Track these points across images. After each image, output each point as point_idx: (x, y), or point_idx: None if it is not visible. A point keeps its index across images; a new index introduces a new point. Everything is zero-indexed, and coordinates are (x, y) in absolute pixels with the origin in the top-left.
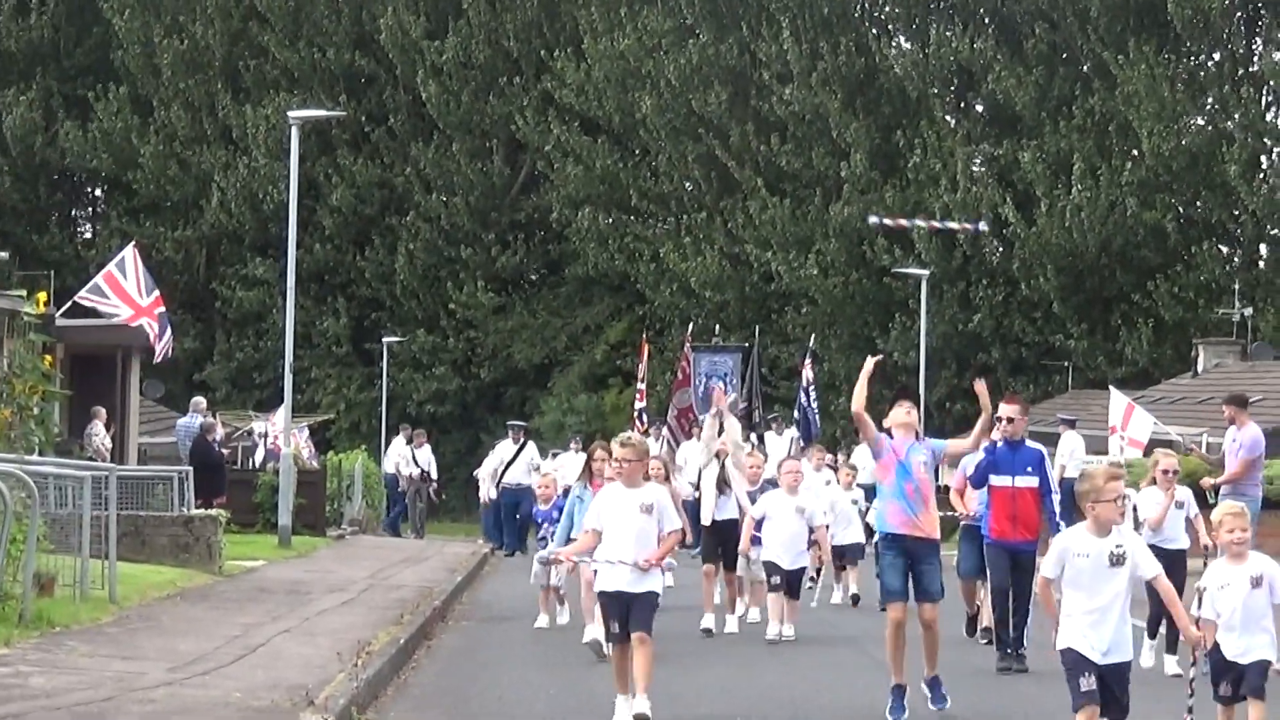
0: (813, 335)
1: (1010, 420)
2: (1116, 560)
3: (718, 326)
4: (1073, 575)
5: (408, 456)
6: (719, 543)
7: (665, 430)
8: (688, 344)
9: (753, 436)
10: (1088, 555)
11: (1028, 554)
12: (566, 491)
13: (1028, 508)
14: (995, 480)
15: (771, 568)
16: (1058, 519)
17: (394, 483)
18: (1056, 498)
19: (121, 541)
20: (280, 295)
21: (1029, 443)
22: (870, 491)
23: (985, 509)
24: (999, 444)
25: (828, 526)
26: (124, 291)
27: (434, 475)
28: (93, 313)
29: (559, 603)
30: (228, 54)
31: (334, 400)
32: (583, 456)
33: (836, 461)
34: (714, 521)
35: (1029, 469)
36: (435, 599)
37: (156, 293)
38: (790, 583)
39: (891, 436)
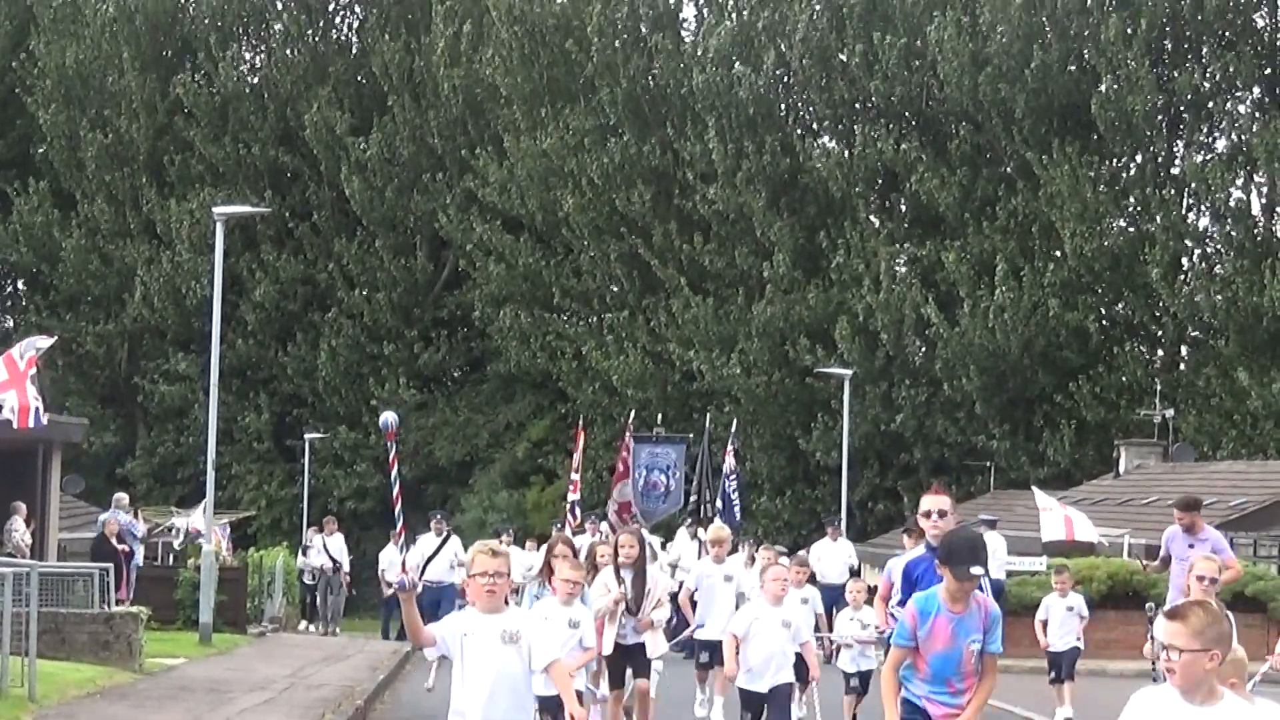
0: (733, 424)
1: (942, 514)
2: None
3: (658, 417)
4: None
5: (318, 545)
6: (625, 664)
7: (605, 525)
8: (629, 434)
9: (701, 533)
10: None
11: None
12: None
13: None
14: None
15: (747, 699)
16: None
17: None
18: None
19: (41, 639)
20: (203, 390)
21: None
22: (827, 591)
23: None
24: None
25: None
26: (11, 359)
27: (345, 566)
28: None
29: None
30: (152, 148)
31: (255, 496)
32: (516, 551)
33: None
34: (618, 645)
35: None
36: (357, 698)
37: (31, 354)
38: (776, 701)
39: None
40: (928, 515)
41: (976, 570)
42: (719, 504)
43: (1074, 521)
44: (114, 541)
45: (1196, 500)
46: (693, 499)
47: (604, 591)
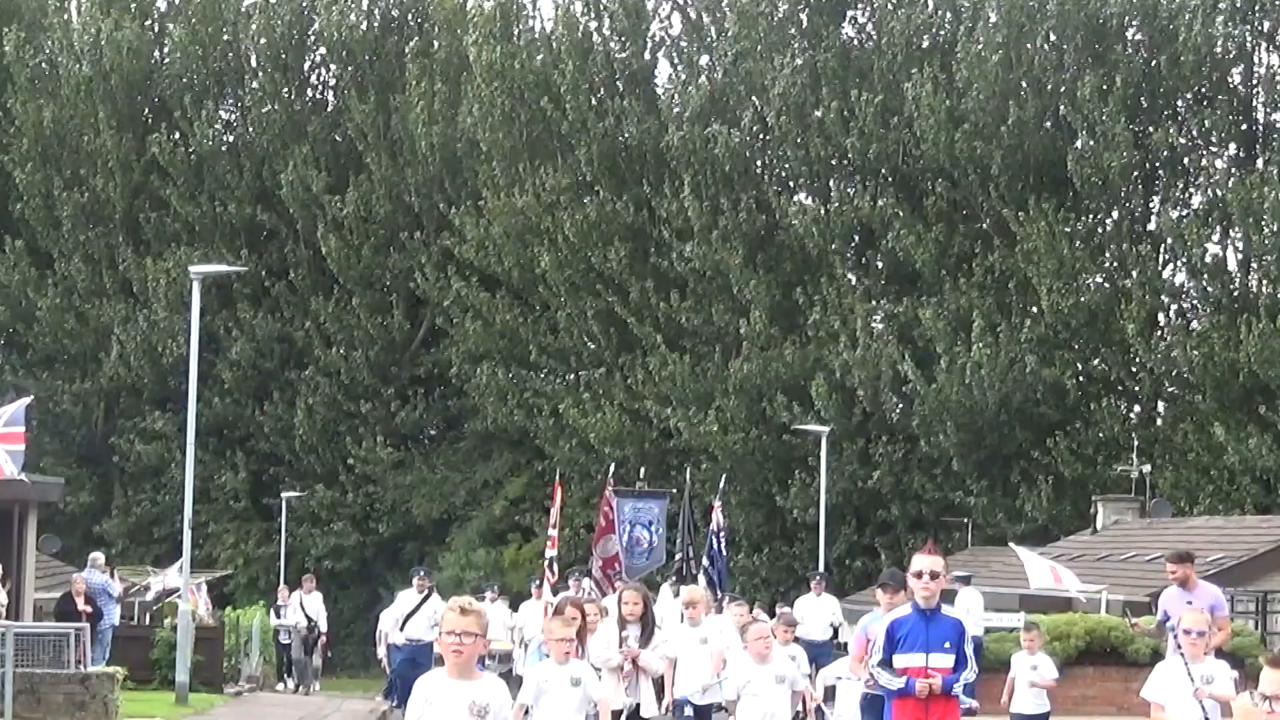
0: (723, 478)
1: (933, 575)
2: None
3: (640, 473)
4: None
5: (294, 604)
6: None
7: (588, 581)
8: (610, 488)
9: (681, 590)
10: None
11: None
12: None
13: (946, 695)
14: (903, 660)
15: None
16: (963, 699)
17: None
18: (972, 675)
19: (17, 699)
20: (179, 449)
21: (945, 609)
22: (809, 648)
23: (889, 698)
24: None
25: None
26: None
27: (323, 626)
28: None
29: None
30: (128, 207)
31: (232, 555)
32: (499, 607)
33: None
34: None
35: (946, 645)
36: None
37: (20, 429)
38: None
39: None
40: (919, 575)
41: None
42: (705, 561)
43: (1059, 571)
44: (79, 602)
45: (1188, 553)
46: (676, 556)
47: (605, 644)
